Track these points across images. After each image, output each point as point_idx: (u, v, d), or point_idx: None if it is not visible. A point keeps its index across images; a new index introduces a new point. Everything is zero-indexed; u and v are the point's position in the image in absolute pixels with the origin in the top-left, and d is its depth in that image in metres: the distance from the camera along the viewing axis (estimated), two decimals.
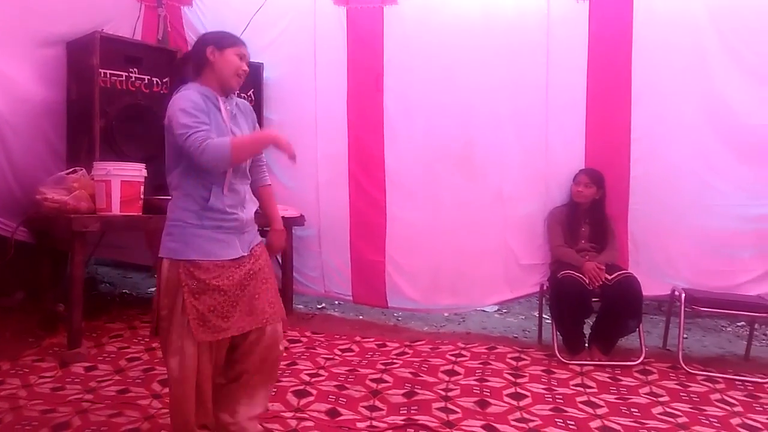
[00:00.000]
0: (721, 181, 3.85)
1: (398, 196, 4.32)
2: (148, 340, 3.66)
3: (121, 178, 3.43)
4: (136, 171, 3.54)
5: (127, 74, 3.91)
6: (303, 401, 2.78)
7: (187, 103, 2.01)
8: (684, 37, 3.82)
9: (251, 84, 4.56)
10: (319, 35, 4.41)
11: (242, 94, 4.50)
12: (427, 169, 4.24)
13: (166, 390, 2.83)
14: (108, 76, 3.80)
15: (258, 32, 4.45)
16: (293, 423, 2.55)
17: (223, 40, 2.17)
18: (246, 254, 2.18)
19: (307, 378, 3.08)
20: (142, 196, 3.55)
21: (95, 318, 3.99)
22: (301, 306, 4.71)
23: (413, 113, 4.23)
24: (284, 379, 3.04)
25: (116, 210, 3.42)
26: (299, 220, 4.38)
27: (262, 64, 4.58)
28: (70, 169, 3.60)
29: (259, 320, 2.17)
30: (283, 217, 4.15)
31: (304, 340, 3.80)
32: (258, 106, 4.59)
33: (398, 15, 4.18)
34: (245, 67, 2.18)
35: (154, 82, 4.09)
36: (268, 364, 2.26)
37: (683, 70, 3.84)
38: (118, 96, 3.87)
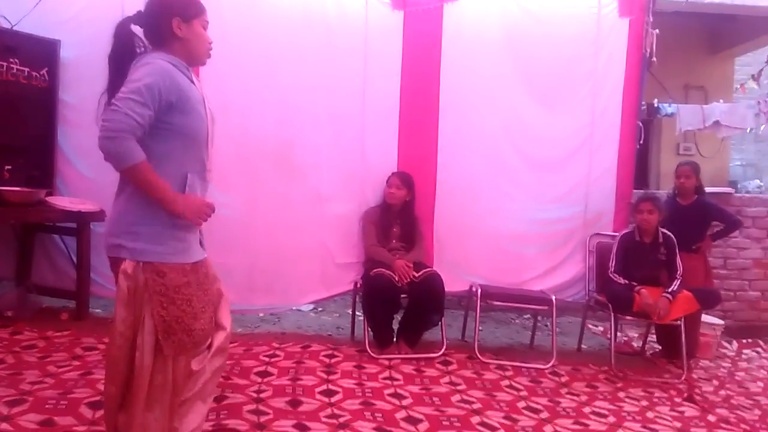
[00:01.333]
0: (514, 188, 4.32)
1: (213, 192, 4.12)
2: None
3: None
4: None
5: None
6: (99, 413, 2.55)
7: (155, 81, 1.75)
8: (485, 57, 4.23)
9: (45, 62, 4.08)
10: (128, 13, 4.07)
11: (33, 73, 4.03)
12: (245, 166, 4.12)
13: None
14: None
15: (56, 6, 4.01)
16: None
17: (188, 10, 1.92)
18: (203, 256, 2.02)
19: (102, 388, 2.83)
20: None
21: None
22: (98, 310, 4.29)
23: (230, 105, 4.08)
24: (77, 391, 2.77)
25: None
26: (98, 215, 3.99)
27: (59, 41, 4.12)
28: None
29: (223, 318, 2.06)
30: (80, 212, 3.87)
31: (102, 347, 3.49)
32: (52, 86, 4.13)
33: (217, 4, 4.01)
34: (211, 39, 2.00)
35: None
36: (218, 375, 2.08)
37: (485, 87, 4.24)
38: None
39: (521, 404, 3.11)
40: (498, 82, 4.25)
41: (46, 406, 2.58)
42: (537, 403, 3.14)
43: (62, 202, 3.93)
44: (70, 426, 2.42)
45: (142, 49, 1.94)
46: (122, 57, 1.90)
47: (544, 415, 2.99)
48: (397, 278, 3.73)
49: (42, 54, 4.07)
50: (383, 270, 3.76)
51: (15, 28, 4.00)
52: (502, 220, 4.31)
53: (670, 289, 3.79)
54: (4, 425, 2.35)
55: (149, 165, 1.76)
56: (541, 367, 3.76)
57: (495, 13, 4.24)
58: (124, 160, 1.73)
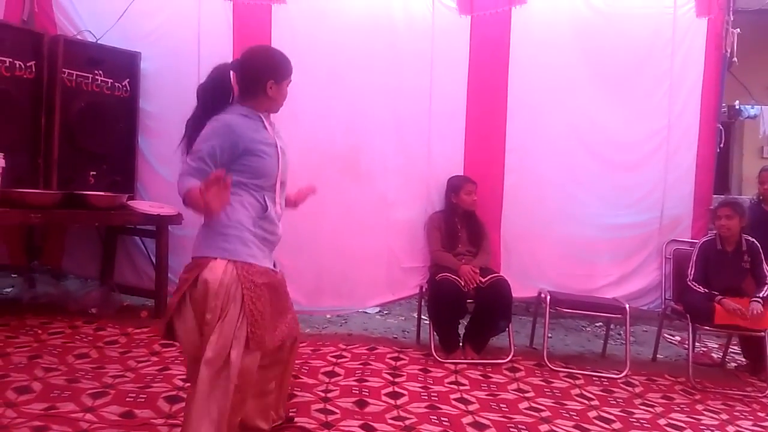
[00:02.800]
0: (585, 192, 4.20)
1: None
2: (2, 344, 3.34)
3: None
4: None
5: None
6: (175, 407, 2.66)
7: (217, 138, 2.02)
8: (555, 58, 4.14)
9: (127, 73, 4.32)
10: (204, 28, 4.25)
11: (116, 83, 4.27)
12: (312, 172, 4.16)
13: (23, 398, 2.61)
14: None
15: (136, 20, 4.24)
16: (164, 430, 2.44)
17: (281, 72, 2.18)
18: (276, 270, 2.22)
19: (180, 383, 2.95)
20: None
21: None
22: None
23: (299, 116, 4.19)
24: (155, 385, 2.90)
25: None
26: (176, 218, 4.18)
27: (139, 53, 4.35)
28: None
29: (295, 330, 2.30)
30: (159, 215, 4.05)
31: (178, 344, 3.63)
32: (133, 96, 4.36)
33: (287, 14, 4.14)
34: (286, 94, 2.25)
35: (17, 65, 3.77)
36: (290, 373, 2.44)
37: (554, 89, 4.15)
38: None
39: (592, 414, 3.02)
40: (568, 83, 4.15)
41: (127, 399, 2.71)
42: (609, 414, 3.04)
43: (142, 206, 4.14)
44: (148, 419, 2.53)
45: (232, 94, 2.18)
46: (212, 94, 2.14)
47: (617, 425, 2.89)
48: (463, 283, 3.71)
49: (124, 66, 4.31)
50: (449, 275, 3.74)
51: (99, 42, 4.25)
52: (573, 225, 4.19)
53: (760, 294, 3.60)
54: (89, 416, 2.49)
55: (195, 191, 1.93)
56: (614, 376, 3.64)
57: (565, 14, 4.16)
58: (181, 192, 2.02)
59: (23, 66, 3.80)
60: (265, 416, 2.33)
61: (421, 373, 3.42)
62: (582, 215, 4.20)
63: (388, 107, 4.19)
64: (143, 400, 2.71)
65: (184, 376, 3.05)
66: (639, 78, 4.18)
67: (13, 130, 3.77)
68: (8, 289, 4.90)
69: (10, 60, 3.73)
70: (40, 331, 3.66)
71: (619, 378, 3.62)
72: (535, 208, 4.19)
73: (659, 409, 3.17)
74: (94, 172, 4.20)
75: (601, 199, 4.21)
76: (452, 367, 3.56)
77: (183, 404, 2.66)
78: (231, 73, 2.17)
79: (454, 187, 4.05)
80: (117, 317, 4.09)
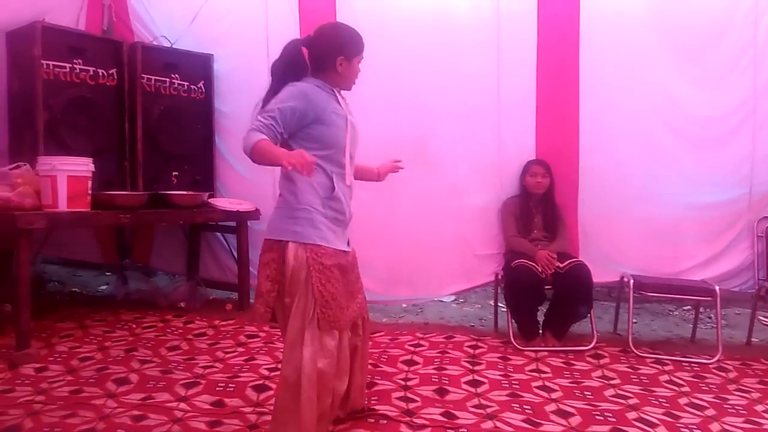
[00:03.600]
0: (666, 171, 4.00)
1: (357, 191, 4.29)
2: (101, 338, 3.57)
3: (67, 173, 3.34)
4: (82, 165, 3.45)
5: (71, 65, 3.79)
6: (262, 396, 2.76)
7: (290, 101, 2.05)
8: (628, 34, 3.94)
9: (201, 75, 4.48)
10: (272, 28, 4.35)
11: (192, 86, 4.43)
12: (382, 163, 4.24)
13: (122, 389, 2.78)
14: (51, 67, 3.69)
15: (208, 23, 4.39)
16: (253, 418, 2.53)
17: (352, 49, 2.21)
18: (348, 250, 2.28)
19: (266, 372, 3.06)
20: (90, 192, 3.44)
21: (44, 318, 3.88)
22: None
23: (367, 108, 4.20)
24: (243, 375, 3.02)
25: (63, 206, 3.33)
26: (254, 214, 4.33)
27: (212, 55, 4.50)
28: (13, 165, 3.47)
29: (364, 310, 2.37)
30: (237, 212, 4.20)
31: (263, 335, 3.77)
32: (208, 97, 4.52)
33: (351, 7, 4.17)
34: (360, 70, 2.28)
35: (100, 73, 3.97)
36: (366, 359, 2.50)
37: (628, 65, 3.96)
38: (62, 88, 3.75)
39: (683, 400, 2.90)
40: (643, 58, 3.95)
41: (217, 388, 2.84)
42: (701, 400, 2.90)
43: (222, 203, 4.30)
44: (238, 407, 2.64)
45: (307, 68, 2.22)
46: (285, 69, 2.19)
47: (710, 412, 2.76)
48: (540, 269, 3.64)
49: (198, 68, 4.48)
50: (525, 261, 3.68)
51: (174, 47, 4.42)
52: (655, 205, 4.01)
53: None
54: (183, 405, 2.62)
55: (268, 141, 1.98)
56: (705, 361, 3.47)
57: None
58: (248, 146, 1.98)
59: (106, 74, 4.01)
60: (342, 403, 2.38)
61: (500, 361, 3.39)
62: (664, 195, 4.01)
63: (454, 94, 4.14)
64: (232, 389, 2.83)
65: (270, 366, 3.16)
66: (720, 48, 3.92)
67: (100, 135, 3.99)
68: (103, 287, 5.22)
69: (94, 69, 3.93)
70: (134, 326, 3.89)
71: (711, 363, 3.45)
72: (613, 189, 4.03)
73: (756, 395, 3.00)
74: (176, 173, 4.39)
75: (683, 177, 3.99)
76: (533, 354, 3.51)
77: (270, 392, 2.77)
78: (303, 49, 2.23)
79: (523, 170, 4.00)
80: (204, 310, 4.29)
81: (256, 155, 1.98)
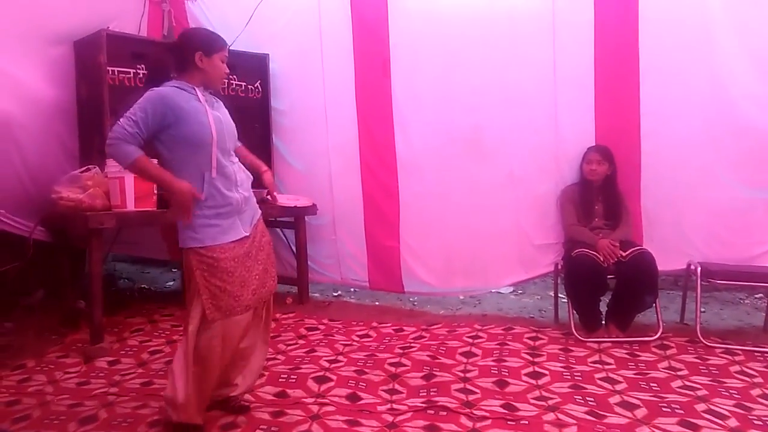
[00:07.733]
0: (732, 154, 3.80)
1: (410, 182, 4.32)
2: (168, 332, 3.71)
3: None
4: None
5: (134, 71, 3.93)
6: (323, 387, 2.82)
7: (149, 105, 2.15)
8: (690, 13, 3.77)
9: (258, 75, 4.57)
10: (325, 25, 4.40)
11: (249, 86, 4.53)
12: (438, 153, 4.23)
13: None
14: (116, 73, 3.83)
15: (262, 24, 4.47)
16: (315, 408, 2.59)
17: (211, 46, 2.33)
18: (248, 234, 2.36)
19: (326, 364, 3.12)
20: (155, 191, 3.58)
21: (116, 313, 4.06)
22: (317, 294, 4.75)
23: (421, 99, 4.22)
24: (304, 366, 3.08)
25: (131, 206, 3.47)
26: (311, 209, 4.40)
27: (268, 55, 4.59)
28: (84, 168, 3.64)
29: (266, 294, 2.45)
30: (296, 207, 4.27)
31: (322, 327, 3.84)
32: (265, 96, 4.61)
33: (402, 2, 4.17)
34: (227, 70, 2.40)
35: None
36: (267, 331, 2.62)
37: (690, 45, 3.78)
38: (126, 93, 3.89)
39: (756, 392, 2.77)
40: (706, 36, 3.75)
41: (279, 379, 2.91)
42: None
43: (280, 199, 4.37)
44: (299, 398, 2.70)
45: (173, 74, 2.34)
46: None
47: None
48: (602, 258, 3.55)
49: (254, 68, 4.56)
50: (586, 250, 3.59)
51: (231, 48, 4.52)
52: (721, 189, 3.82)
53: None
54: (247, 395, 2.69)
55: (147, 158, 2.15)
56: None
57: None
58: (123, 160, 2.14)
59: None
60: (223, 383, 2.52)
61: (561, 352, 3.33)
62: (730, 178, 3.82)
63: (508, 82, 4.07)
64: (294, 380, 2.90)
65: (330, 357, 3.22)
66: None
67: None
68: (170, 283, 5.43)
69: None
70: None
71: None
72: (677, 174, 3.87)
73: None
74: None
75: (749, 159, 3.79)
76: (595, 345, 3.43)
77: (331, 384, 2.83)
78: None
79: (582, 157, 3.90)
80: None
81: (136, 170, 2.19)
